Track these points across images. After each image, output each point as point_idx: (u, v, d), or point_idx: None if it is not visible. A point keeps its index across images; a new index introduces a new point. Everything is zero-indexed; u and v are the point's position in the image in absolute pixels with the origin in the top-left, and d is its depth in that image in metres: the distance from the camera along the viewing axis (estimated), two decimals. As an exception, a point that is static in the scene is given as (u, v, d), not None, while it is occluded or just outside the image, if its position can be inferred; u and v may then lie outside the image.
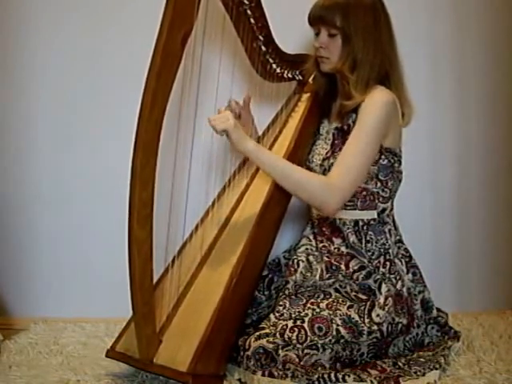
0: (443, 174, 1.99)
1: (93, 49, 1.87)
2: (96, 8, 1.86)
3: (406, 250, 1.60)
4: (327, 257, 1.56)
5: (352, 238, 1.55)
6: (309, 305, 1.43)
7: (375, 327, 1.42)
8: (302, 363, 1.35)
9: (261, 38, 1.56)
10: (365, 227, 1.55)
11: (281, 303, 1.45)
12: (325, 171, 1.56)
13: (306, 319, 1.39)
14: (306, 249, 1.60)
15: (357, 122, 1.50)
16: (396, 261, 1.55)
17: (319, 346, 1.37)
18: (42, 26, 1.86)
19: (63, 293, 1.92)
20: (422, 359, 1.45)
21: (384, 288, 1.47)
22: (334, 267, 1.54)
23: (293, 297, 1.47)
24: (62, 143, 1.90)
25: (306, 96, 1.72)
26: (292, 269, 1.55)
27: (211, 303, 1.35)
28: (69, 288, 1.92)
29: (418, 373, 1.38)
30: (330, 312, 1.41)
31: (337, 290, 1.48)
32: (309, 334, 1.37)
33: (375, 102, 1.48)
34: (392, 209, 1.61)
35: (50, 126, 1.89)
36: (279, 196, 1.53)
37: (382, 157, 1.52)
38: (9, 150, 1.90)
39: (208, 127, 1.39)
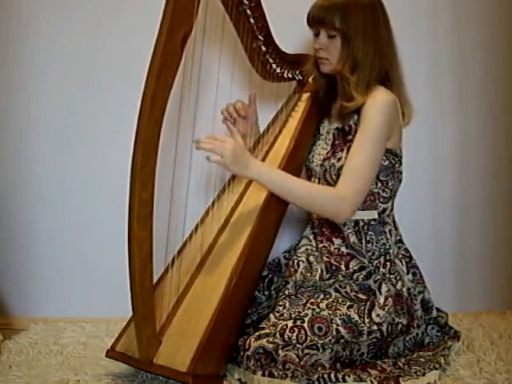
0: (443, 174, 1.99)
1: (93, 49, 1.87)
2: (96, 8, 1.86)
3: (407, 250, 1.60)
4: (327, 257, 1.56)
5: (352, 239, 1.55)
6: (309, 305, 1.42)
7: (375, 327, 1.42)
8: (301, 363, 1.35)
9: (261, 37, 1.56)
10: (365, 227, 1.55)
11: (281, 303, 1.44)
12: (325, 171, 1.56)
13: (306, 319, 1.39)
14: (306, 249, 1.60)
15: (360, 127, 1.49)
16: (396, 261, 1.55)
17: (319, 345, 1.37)
18: (42, 26, 1.86)
19: (63, 293, 1.92)
20: (422, 359, 1.45)
21: (384, 288, 1.47)
22: (334, 267, 1.54)
23: (293, 297, 1.46)
24: (62, 143, 1.90)
25: (306, 96, 1.72)
26: (292, 269, 1.55)
27: (211, 303, 1.35)
28: (69, 288, 1.92)
29: (418, 373, 1.38)
30: (330, 312, 1.41)
31: (337, 290, 1.47)
32: (309, 334, 1.37)
33: (377, 105, 1.47)
34: (392, 209, 1.61)
35: (50, 126, 1.89)
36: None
37: (383, 157, 1.52)
38: (9, 150, 1.90)
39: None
